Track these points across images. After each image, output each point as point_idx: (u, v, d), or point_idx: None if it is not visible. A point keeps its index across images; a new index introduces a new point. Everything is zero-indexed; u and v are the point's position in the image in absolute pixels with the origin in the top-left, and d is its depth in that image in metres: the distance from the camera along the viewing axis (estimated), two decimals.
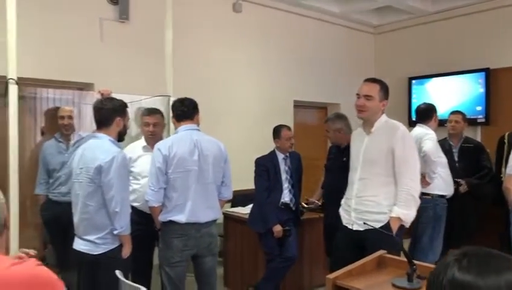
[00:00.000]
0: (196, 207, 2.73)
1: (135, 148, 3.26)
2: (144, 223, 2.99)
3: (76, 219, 2.59)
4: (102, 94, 3.24)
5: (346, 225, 2.80)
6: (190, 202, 2.73)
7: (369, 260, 2.19)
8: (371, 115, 2.76)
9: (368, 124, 2.82)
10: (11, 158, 2.65)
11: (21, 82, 2.75)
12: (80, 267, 2.65)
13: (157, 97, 3.63)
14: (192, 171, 2.74)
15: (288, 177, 3.80)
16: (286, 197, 3.74)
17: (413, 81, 6.29)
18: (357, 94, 2.80)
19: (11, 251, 2.60)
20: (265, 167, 3.71)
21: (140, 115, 3.40)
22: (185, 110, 2.84)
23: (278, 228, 3.56)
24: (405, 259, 2.03)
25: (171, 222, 2.74)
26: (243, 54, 5.34)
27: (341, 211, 2.89)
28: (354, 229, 2.74)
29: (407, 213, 2.64)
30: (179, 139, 2.80)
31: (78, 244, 2.59)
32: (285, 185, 3.76)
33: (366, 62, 6.79)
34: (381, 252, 2.25)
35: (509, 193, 3.21)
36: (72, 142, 3.43)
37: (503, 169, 3.92)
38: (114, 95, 3.94)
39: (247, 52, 5.38)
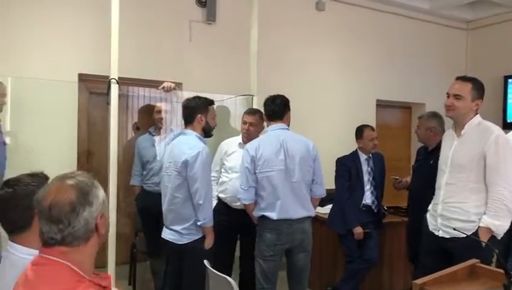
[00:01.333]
0: (286, 205, 2.79)
1: (232, 143, 3.40)
2: (228, 215, 3.10)
3: (164, 209, 2.78)
4: (164, 88, 3.43)
5: (433, 231, 2.68)
6: (280, 200, 2.79)
7: (460, 268, 2.08)
8: (460, 115, 2.62)
9: (458, 126, 2.67)
10: (111, 152, 2.90)
11: (121, 82, 2.99)
12: (168, 255, 2.83)
13: (240, 96, 3.74)
14: (278, 171, 2.80)
15: (371, 178, 3.72)
16: (368, 198, 3.67)
17: (510, 80, 5.80)
18: (447, 93, 2.66)
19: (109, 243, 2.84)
20: (346, 167, 3.66)
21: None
22: (276, 109, 2.91)
23: (358, 230, 3.50)
24: (500, 270, 1.90)
25: (264, 216, 2.83)
26: (326, 53, 5.30)
27: (428, 215, 2.77)
28: (440, 235, 2.62)
29: (499, 224, 2.44)
30: (267, 140, 2.87)
31: (166, 234, 2.77)
32: (367, 187, 3.68)
33: (456, 60, 6.39)
34: (473, 261, 2.13)
35: None
36: (163, 136, 3.65)
37: None
38: (200, 94, 4.17)
39: (330, 51, 5.34)
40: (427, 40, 6.09)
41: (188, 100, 2.82)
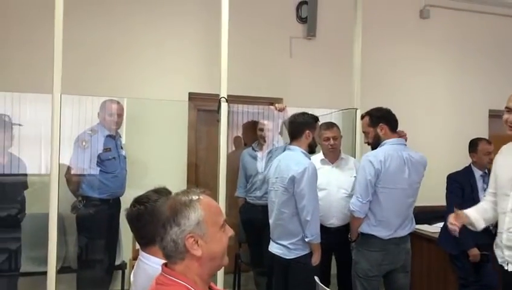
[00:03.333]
0: (398, 223, 2.71)
1: (314, 161, 3.37)
2: (321, 234, 3.07)
3: (271, 223, 2.83)
4: (279, 110, 3.51)
5: (501, 264, 2.31)
6: (394, 218, 2.72)
7: None
8: None
9: None
10: (221, 167, 3.05)
11: (229, 99, 3.15)
12: (274, 269, 2.89)
13: (344, 110, 3.71)
14: (400, 189, 2.72)
15: None
16: None
17: None
18: (506, 107, 2.35)
19: None
20: (459, 183, 3.43)
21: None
22: (395, 120, 2.85)
23: (474, 252, 3.24)
24: None
25: (372, 235, 2.75)
26: (432, 62, 5.07)
27: (494, 246, 2.39)
28: (510, 270, 2.25)
29: None
30: (390, 154, 2.74)
31: (273, 247, 2.82)
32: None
33: None
34: None
35: None
36: (265, 152, 3.75)
37: None
38: (301, 109, 4.23)
39: (436, 60, 5.09)
40: None
41: (296, 115, 2.87)
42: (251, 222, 3.69)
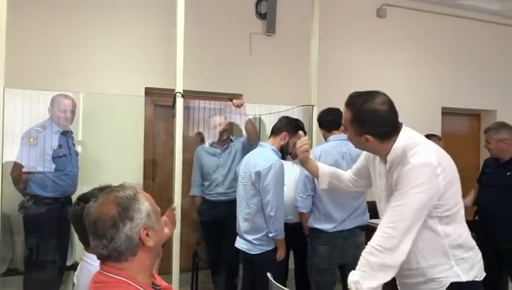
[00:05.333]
0: (342, 216, 2.74)
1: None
2: None
3: (239, 218, 2.86)
4: (236, 105, 3.51)
5: None
6: (337, 212, 2.75)
7: None
8: None
9: None
10: (177, 164, 3.00)
11: (185, 94, 3.10)
12: (242, 264, 2.90)
13: (301, 107, 3.74)
14: None
15: None
16: None
17: None
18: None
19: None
20: None
21: None
22: (334, 119, 2.89)
23: None
24: None
25: (319, 229, 2.80)
26: (388, 60, 5.17)
27: None
28: None
29: None
30: (327, 150, 2.86)
31: (239, 243, 2.85)
32: None
33: None
34: None
35: None
36: (225, 146, 3.73)
37: None
38: (259, 105, 4.22)
39: (392, 58, 5.21)
40: (497, 44, 5.76)
41: (286, 117, 3.01)
42: (214, 220, 3.63)
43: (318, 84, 3.68)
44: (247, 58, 4.55)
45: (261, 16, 4.60)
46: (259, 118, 4.02)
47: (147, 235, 1.23)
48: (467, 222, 3.83)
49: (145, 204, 1.25)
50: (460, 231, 1.66)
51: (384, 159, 1.69)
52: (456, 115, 5.78)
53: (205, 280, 3.97)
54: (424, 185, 1.53)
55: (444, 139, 5.36)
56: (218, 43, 4.44)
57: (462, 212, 1.70)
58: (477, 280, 1.67)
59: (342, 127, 2.91)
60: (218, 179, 3.63)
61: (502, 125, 3.36)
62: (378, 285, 1.55)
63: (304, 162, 2.12)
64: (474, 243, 1.71)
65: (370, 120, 1.67)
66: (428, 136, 3.57)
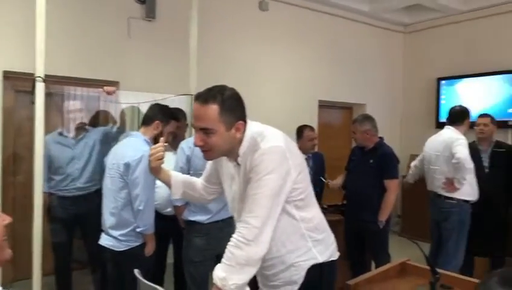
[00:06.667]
0: (218, 207, 2.72)
1: None
2: (158, 222, 3.01)
3: (105, 213, 2.65)
4: (107, 92, 3.31)
5: None
6: (213, 202, 2.71)
7: (391, 266, 2.13)
8: None
9: None
10: (36, 156, 2.71)
11: (48, 80, 2.80)
12: (104, 263, 2.70)
13: (180, 96, 3.64)
14: None
15: (310, 178, 3.75)
16: None
17: (442, 82, 6.12)
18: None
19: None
20: None
21: None
22: None
23: None
24: (428, 267, 1.96)
25: (194, 221, 2.75)
26: (269, 53, 5.31)
27: None
28: None
29: None
30: None
31: (104, 240, 2.64)
32: None
33: (394, 62, 6.66)
34: (404, 259, 2.19)
35: None
36: (80, 136, 3.40)
37: None
38: (138, 93, 4.02)
39: (273, 51, 5.35)
40: (367, 42, 6.28)
41: (157, 104, 2.80)
42: (69, 218, 3.33)
43: (198, 73, 3.62)
44: (125, 43, 4.30)
45: (140, 0, 4.37)
46: (138, 108, 3.82)
47: None
48: (336, 206, 4.15)
49: None
50: (314, 214, 1.72)
51: (235, 155, 1.65)
52: (331, 108, 6.20)
53: (78, 282, 3.67)
54: (276, 169, 1.53)
55: (320, 130, 5.74)
56: (93, 26, 4.12)
57: (313, 195, 1.76)
58: (332, 259, 1.76)
59: None
60: (75, 173, 3.32)
61: (366, 118, 3.66)
62: (245, 281, 1.50)
63: (155, 172, 1.90)
64: (326, 224, 1.80)
65: (237, 104, 1.64)
66: (303, 127, 3.83)
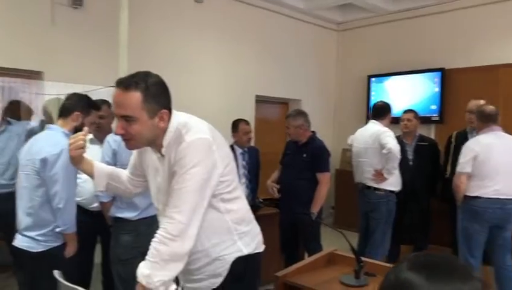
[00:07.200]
0: (146, 203, 2.63)
1: None
2: (84, 219, 2.87)
3: (20, 213, 2.46)
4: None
5: None
6: (141, 198, 2.62)
7: (319, 257, 2.18)
8: None
9: None
10: None
11: None
12: (20, 266, 2.51)
13: (110, 88, 3.48)
14: None
15: (246, 172, 3.77)
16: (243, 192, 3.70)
17: (373, 79, 6.39)
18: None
19: None
20: None
21: None
22: None
23: None
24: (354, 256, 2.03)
25: (121, 218, 2.64)
26: (204, 46, 5.23)
27: None
28: None
29: None
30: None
31: (18, 241, 2.45)
32: (243, 180, 3.73)
33: (328, 59, 6.84)
34: (332, 249, 2.25)
35: (459, 190, 3.31)
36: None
37: (448, 167, 4.06)
38: (65, 84, 3.80)
39: (208, 45, 5.27)
40: (302, 39, 6.39)
41: (75, 94, 2.61)
42: None
43: (129, 65, 3.48)
44: (49, 31, 4.03)
45: None
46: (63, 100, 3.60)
47: None
48: (272, 199, 4.19)
49: None
50: (240, 206, 1.71)
51: (159, 146, 1.60)
52: (268, 103, 6.25)
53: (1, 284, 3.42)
54: (202, 162, 1.50)
55: (257, 125, 5.78)
56: (12, 12, 3.82)
57: (239, 187, 1.75)
58: (257, 251, 1.76)
59: None
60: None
61: (299, 113, 3.72)
62: (170, 277, 1.46)
63: (76, 162, 1.79)
64: (252, 216, 1.79)
65: (162, 91, 1.57)
66: (238, 121, 3.82)
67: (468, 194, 3.26)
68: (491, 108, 3.34)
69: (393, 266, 0.90)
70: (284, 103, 6.51)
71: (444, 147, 4.26)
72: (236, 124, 3.77)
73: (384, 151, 3.62)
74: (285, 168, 3.80)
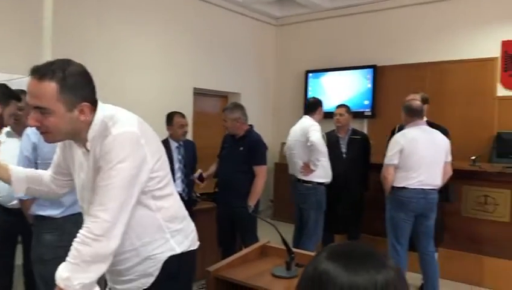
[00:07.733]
0: (73, 199, 2.48)
1: None
2: (3, 219, 2.67)
3: None
4: None
5: None
6: (68, 196, 2.47)
7: (251, 250, 2.18)
8: None
9: None
10: None
11: None
12: None
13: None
14: None
15: (182, 166, 3.69)
16: (178, 187, 3.63)
17: (310, 75, 6.52)
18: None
19: None
20: None
21: None
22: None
23: None
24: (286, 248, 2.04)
25: (44, 217, 2.47)
26: (139, 36, 5.03)
27: None
28: None
29: None
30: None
31: None
32: (178, 175, 3.65)
33: (267, 53, 6.89)
34: (264, 241, 2.25)
35: (386, 182, 3.45)
36: None
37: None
38: None
39: (144, 34, 5.08)
40: (242, 33, 6.38)
41: None
42: None
43: (53, 53, 3.26)
44: None
45: None
46: None
47: None
48: (209, 193, 4.15)
49: None
50: (172, 203, 1.63)
51: (83, 140, 1.50)
52: (206, 96, 6.17)
53: None
54: (129, 157, 1.41)
55: (195, 118, 5.69)
56: None
57: (172, 183, 1.68)
58: (191, 249, 1.70)
59: None
60: None
61: (236, 106, 3.71)
62: (92, 280, 1.37)
63: None
64: (186, 213, 1.73)
65: (83, 82, 1.46)
66: (172, 113, 3.72)
67: (395, 185, 3.42)
68: (417, 103, 3.51)
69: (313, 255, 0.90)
70: (223, 96, 6.46)
71: (387, 139, 4.42)
72: (170, 117, 3.67)
73: (308, 144, 3.74)
74: (223, 162, 3.77)
